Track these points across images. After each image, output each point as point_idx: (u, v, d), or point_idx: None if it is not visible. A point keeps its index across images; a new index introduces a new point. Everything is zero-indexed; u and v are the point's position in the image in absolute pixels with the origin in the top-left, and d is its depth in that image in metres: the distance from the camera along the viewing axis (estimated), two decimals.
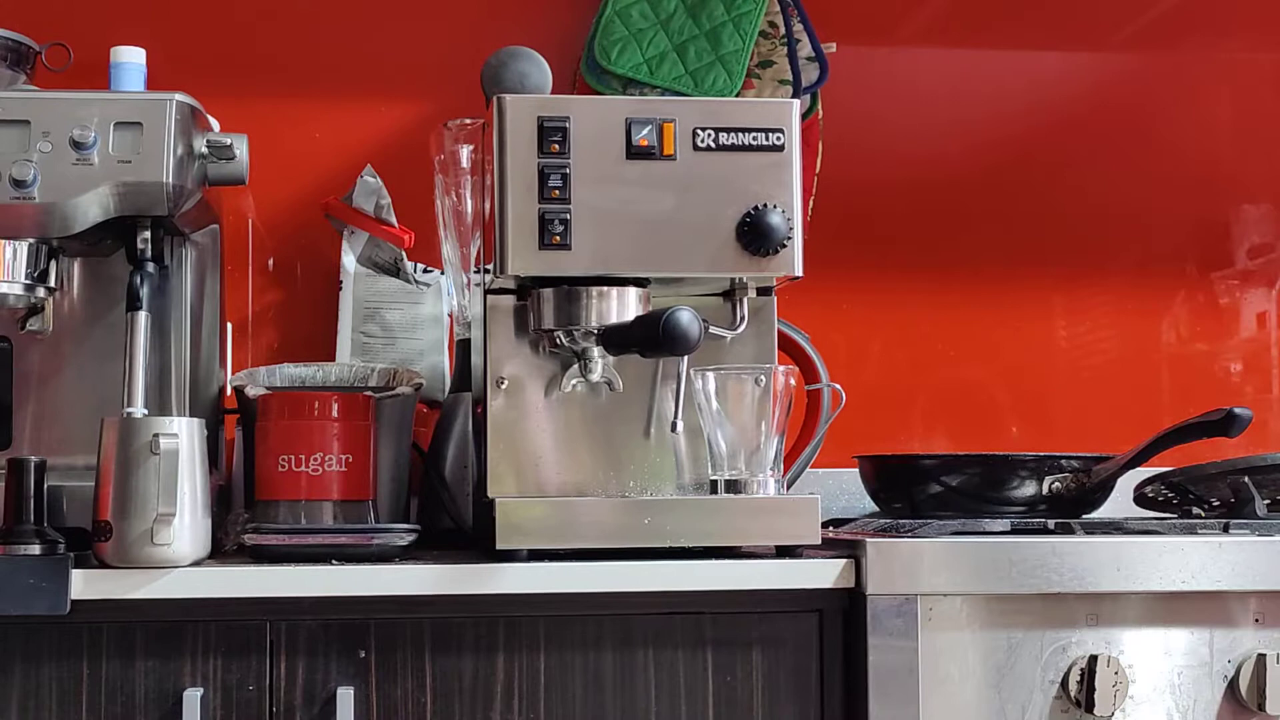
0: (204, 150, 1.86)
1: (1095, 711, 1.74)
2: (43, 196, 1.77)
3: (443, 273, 2.26)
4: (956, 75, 2.53)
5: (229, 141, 1.87)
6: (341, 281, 2.27)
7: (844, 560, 1.75)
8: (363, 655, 1.71)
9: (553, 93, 1.87)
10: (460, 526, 2.04)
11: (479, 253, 2.05)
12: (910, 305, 2.50)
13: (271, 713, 1.70)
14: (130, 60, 2.10)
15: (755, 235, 1.81)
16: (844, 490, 2.36)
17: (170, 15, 2.35)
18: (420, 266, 2.27)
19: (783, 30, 2.38)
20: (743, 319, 1.90)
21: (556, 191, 1.79)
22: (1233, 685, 1.78)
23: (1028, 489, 2.02)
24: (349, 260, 2.27)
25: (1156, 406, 2.53)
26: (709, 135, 1.82)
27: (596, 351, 1.85)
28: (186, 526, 1.68)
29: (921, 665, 1.73)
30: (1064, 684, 1.76)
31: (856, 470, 2.18)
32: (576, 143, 1.80)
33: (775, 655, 1.76)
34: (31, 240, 1.82)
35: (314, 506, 1.89)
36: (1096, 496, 2.05)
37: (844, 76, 2.43)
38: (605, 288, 1.83)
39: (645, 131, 1.81)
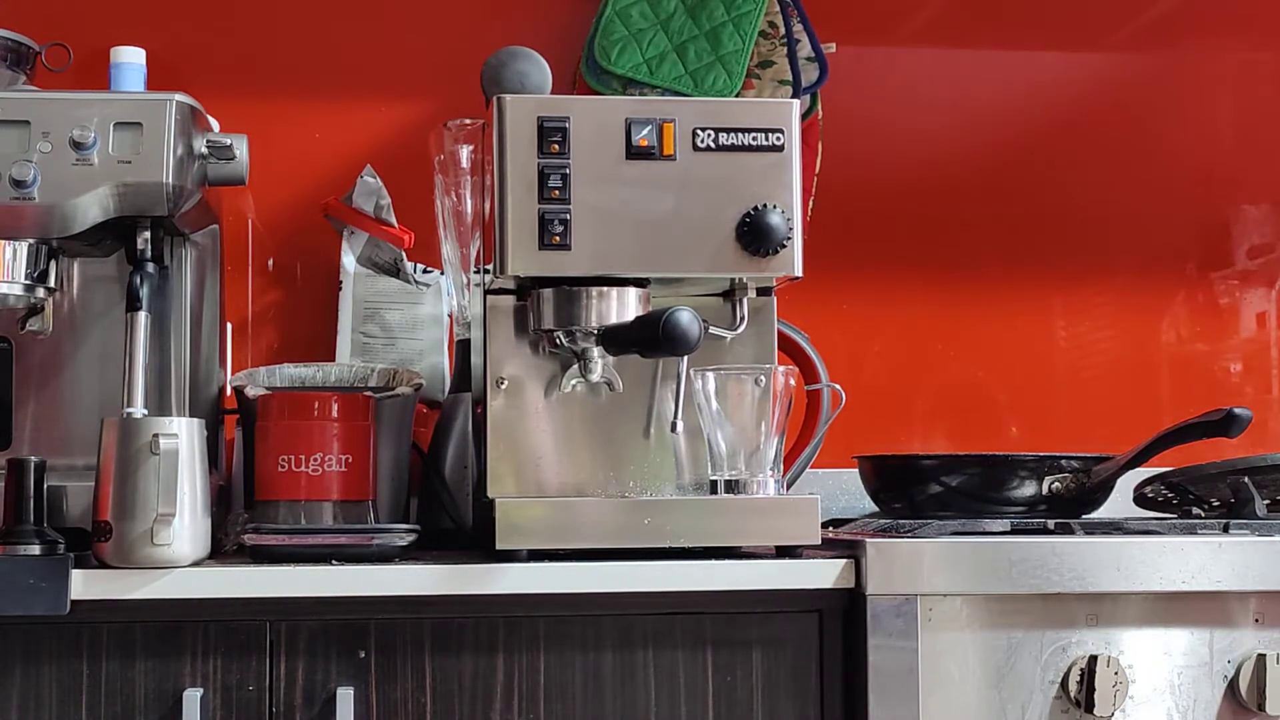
0: (204, 150, 1.86)
1: (1095, 712, 1.74)
2: (43, 197, 1.77)
3: (443, 273, 2.26)
4: (956, 75, 2.53)
5: (229, 142, 1.87)
6: (341, 282, 2.27)
7: (844, 560, 1.75)
8: (363, 655, 1.71)
9: (553, 93, 1.87)
10: (460, 526, 2.04)
11: (479, 253, 2.05)
12: (910, 305, 2.50)
13: (271, 713, 1.70)
14: (130, 60, 2.10)
15: (755, 235, 1.81)
16: (844, 490, 2.36)
17: (170, 15, 2.35)
18: (420, 266, 2.27)
19: (783, 30, 2.38)
20: (743, 319, 1.90)
21: (556, 192, 1.79)
22: (1233, 685, 1.78)
23: (1028, 489, 2.02)
24: (349, 260, 2.27)
25: (1156, 406, 2.53)
26: (709, 135, 1.82)
27: (596, 352, 1.85)
28: (186, 526, 1.68)
29: (921, 665, 1.73)
30: (1064, 684, 1.76)
31: (856, 470, 2.18)
32: (576, 143, 1.80)
33: (775, 655, 1.76)
34: (31, 240, 1.82)
35: (314, 507, 1.89)
36: (1096, 496, 2.05)
37: (844, 77, 2.43)
38: (605, 288, 1.83)
39: (645, 131, 1.81)
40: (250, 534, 1.76)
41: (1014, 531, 1.84)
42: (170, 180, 1.79)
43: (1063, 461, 2.02)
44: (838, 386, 2.04)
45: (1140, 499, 2.14)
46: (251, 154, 1.92)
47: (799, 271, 1.83)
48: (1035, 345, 2.53)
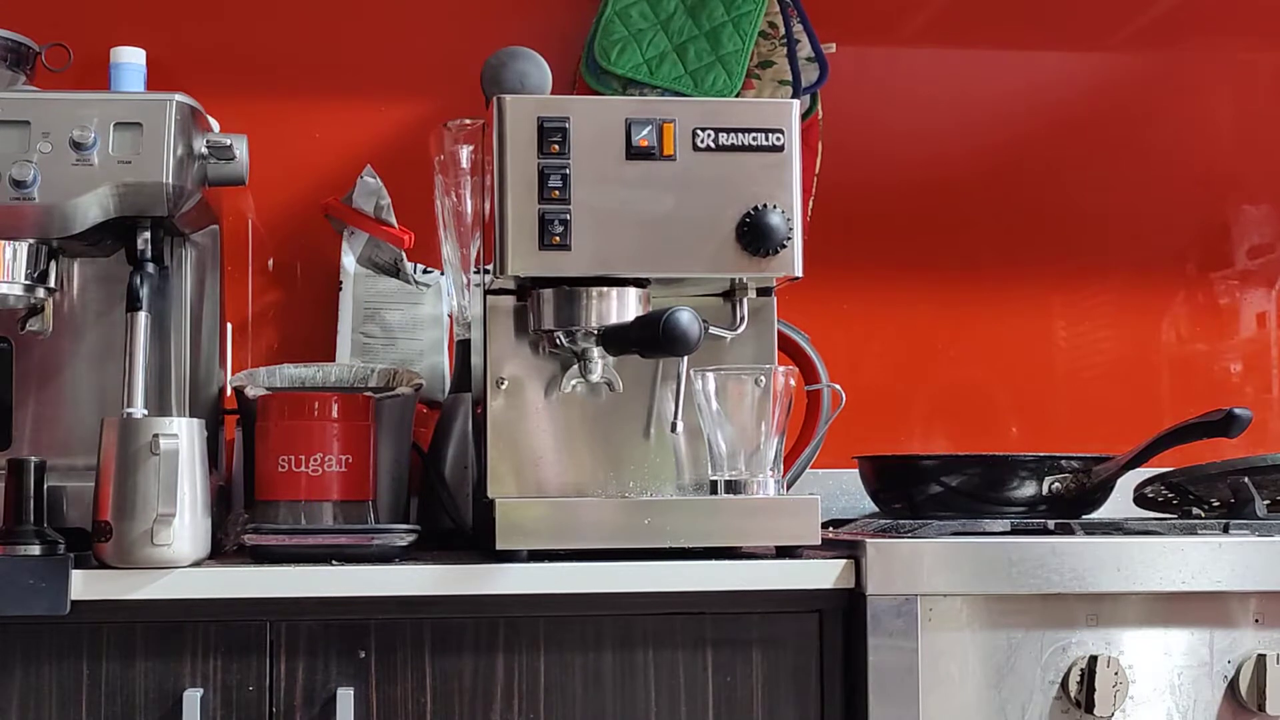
0: (204, 150, 1.86)
1: (1095, 712, 1.74)
2: (43, 197, 1.77)
3: (443, 273, 2.26)
4: (956, 76, 2.53)
5: (229, 142, 1.87)
6: (341, 282, 2.27)
7: (844, 561, 1.75)
8: (363, 655, 1.71)
9: (553, 93, 1.87)
10: (460, 526, 2.04)
11: (479, 253, 2.05)
12: (910, 305, 2.50)
13: (271, 713, 1.70)
14: (130, 60, 2.10)
15: (755, 235, 1.81)
16: (844, 490, 2.36)
17: (170, 15, 2.35)
18: (420, 267, 2.27)
19: (782, 30, 2.38)
20: (743, 319, 1.90)
21: (556, 192, 1.79)
22: (1233, 685, 1.78)
23: (1028, 489, 2.02)
24: (349, 261, 2.27)
25: (1156, 406, 2.53)
26: (709, 135, 1.82)
27: (596, 352, 1.85)
28: (186, 527, 1.68)
29: (921, 665, 1.73)
30: (1064, 684, 1.76)
31: (856, 470, 2.18)
32: (576, 143, 1.80)
33: (775, 655, 1.76)
34: (31, 240, 1.82)
35: (314, 507, 1.89)
36: (1096, 497, 2.05)
37: (844, 77, 2.44)
38: (605, 288, 1.83)
39: (645, 132, 1.81)
40: (250, 534, 1.76)
41: (1014, 532, 1.84)
42: (170, 180, 1.79)
43: (1063, 461, 2.02)
44: (838, 386, 2.04)
45: (1140, 499, 2.14)
46: (251, 154, 1.92)
47: (799, 271, 1.83)
48: (1035, 345, 2.53)
